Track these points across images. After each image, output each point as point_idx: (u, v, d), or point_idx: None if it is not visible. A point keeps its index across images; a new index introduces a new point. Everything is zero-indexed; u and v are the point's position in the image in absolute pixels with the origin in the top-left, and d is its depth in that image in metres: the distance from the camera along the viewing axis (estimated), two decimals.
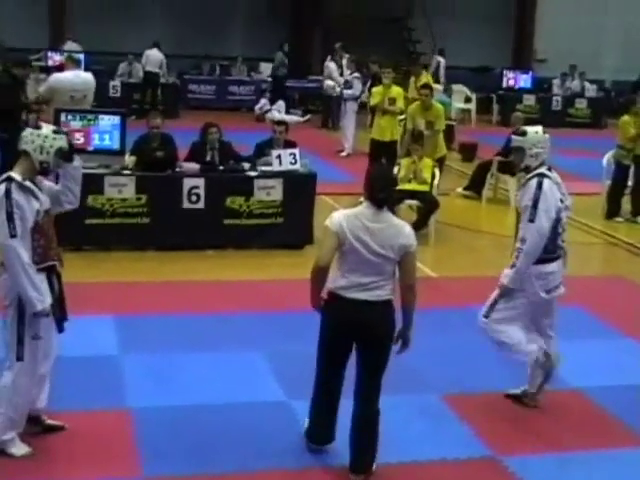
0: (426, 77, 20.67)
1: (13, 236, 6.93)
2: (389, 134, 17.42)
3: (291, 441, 7.79)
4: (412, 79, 21.30)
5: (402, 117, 17.75)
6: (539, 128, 8.88)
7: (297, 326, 10.27)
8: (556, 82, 31.17)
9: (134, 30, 29.44)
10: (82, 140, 13.15)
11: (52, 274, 7.37)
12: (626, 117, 17.40)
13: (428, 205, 14.87)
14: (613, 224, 16.85)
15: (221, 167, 14.03)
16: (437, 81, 28.57)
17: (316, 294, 7.28)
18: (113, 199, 13.25)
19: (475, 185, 18.10)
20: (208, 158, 14.06)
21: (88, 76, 16.65)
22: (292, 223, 13.88)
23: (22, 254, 6.96)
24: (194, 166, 13.74)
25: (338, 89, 24.51)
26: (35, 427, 7.73)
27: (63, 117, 13.33)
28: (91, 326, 10.08)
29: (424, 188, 15.04)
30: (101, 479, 7.18)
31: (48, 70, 21.04)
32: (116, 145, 13.40)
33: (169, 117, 20.60)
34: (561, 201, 8.48)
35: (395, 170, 15.45)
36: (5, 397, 7.24)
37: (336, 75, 25.41)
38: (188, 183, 13.47)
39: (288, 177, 13.96)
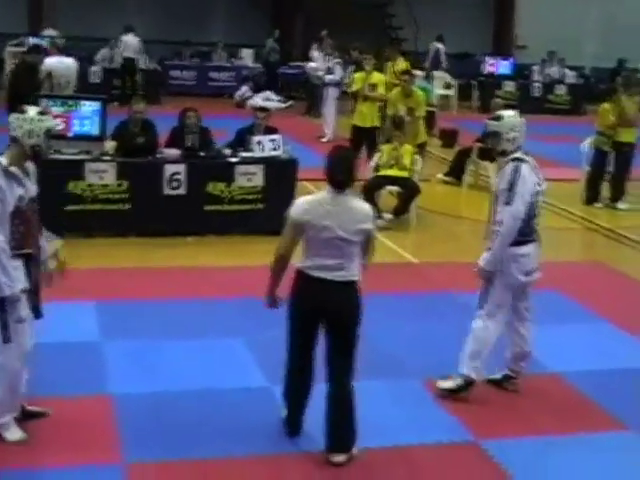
0: (403, 62, 20.55)
1: None
2: (370, 120, 17.41)
3: (272, 426, 7.79)
4: (389, 63, 21.22)
5: (382, 102, 17.76)
6: (515, 112, 8.94)
7: (278, 313, 10.28)
8: (536, 68, 31.19)
9: (114, 15, 29.33)
10: (62, 126, 13.15)
11: (30, 261, 7.32)
12: (606, 105, 17.49)
13: (409, 191, 14.90)
14: (592, 210, 16.92)
15: (202, 153, 14.03)
16: (436, 67, 28.67)
17: (274, 283, 7.44)
18: (94, 185, 13.22)
19: (455, 171, 18.15)
20: (188, 143, 14.06)
21: (71, 62, 16.69)
22: (273, 209, 13.76)
23: None
24: (175, 152, 13.74)
25: (322, 75, 24.42)
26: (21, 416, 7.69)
27: (44, 103, 13.29)
28: (73, 312, 10.09)
29: (405, 174, 15.07)
30: (81, 465, 7.16)
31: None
32: (96, 131, 13.40)
33: (150, 103, 20.54)
34: (538, 184, 8.52)
35: (376, 156, 15.55)
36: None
37: (320, 63, 25.35)
38: (169, 169, 13.47)
39: (269, 163, 13.96)
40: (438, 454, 7.61)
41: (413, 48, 32.29)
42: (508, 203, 8.32)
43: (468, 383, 8.57)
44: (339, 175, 7.16)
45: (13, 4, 29.57)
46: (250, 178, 13.81)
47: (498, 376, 8.95)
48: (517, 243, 8.42)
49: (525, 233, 8.46)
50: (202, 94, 28.13)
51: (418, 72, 21.11)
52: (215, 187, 13.69)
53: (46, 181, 13.00)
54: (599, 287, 12.42)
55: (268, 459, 7.41)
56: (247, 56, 31.21)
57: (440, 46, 30.41)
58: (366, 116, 17.52)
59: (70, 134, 13.29)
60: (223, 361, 9.14)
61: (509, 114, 8.83)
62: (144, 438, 7.57)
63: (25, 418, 7.68)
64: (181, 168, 13.51)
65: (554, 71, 30.93)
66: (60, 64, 16.04)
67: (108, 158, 13.43)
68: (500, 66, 29.88)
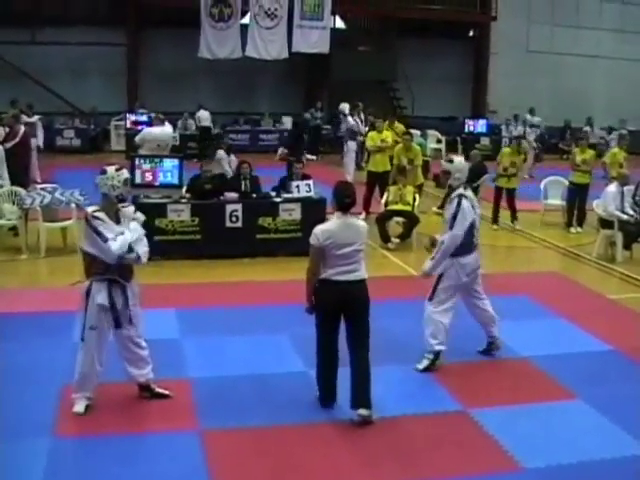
0: (401, 125, 20.34)
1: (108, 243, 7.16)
2: (382, 167, 17.36)
3: (309, 401, 7.77)
4: (393, 126, 20.95)
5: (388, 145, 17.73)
6: (462, 158, 9.29)
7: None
8: (503, 127, 31.13)
9: (188, 94, 29.51)
10: (151, 177, 13.26)
11: (112, 284, 7.39)
12: (575, 149, 17.79)
13: (411, 221, 14.94)
14: (548, 232, 16.80)
15: (254, 195, 14.06)
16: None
17: (311, 293, 7.56)
18: (174, 221, 13.29)
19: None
20: (243, 188, 14.09)
21: (169, 130, 16.91)
22: (308, 236, 13.79)
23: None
24: (234, 195, 13.77)
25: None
26: (145, 393, 7.88)
27: (137, 161, 13.41)
28: (158, 317, 10.08)
29: (408, 208, 15.11)
30: (168, 431, 7.19)
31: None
32: (176, 181, 13.49)
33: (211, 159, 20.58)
34: (475, 212, 8.76)
35: (385, 195, 15.55)
36: (78, 365, 7.48)
37: (352, 125, 25.04)
38: (229, 208, 13.51)
39: (305, 202, 13.99)
40: (433, 421, 7.56)
41: (411, 113, 32.38)
42: (451, 228, 8.59)
43: (436, 354, 8.78)
44: (346, 198, 7.46)
45: (115, 89, 29.79)
46: (290, 213, 13.82)
47: (485, 346, 9.22)
48: (461, 254, 8.64)
49: (467, 246, 8.68)
50: (253, 151, 28.12)
51: (416, 131, 21.01)
52: (264, 220, 13.72)
53: None
54: (555, 291, 12.35)
55: (306, 426, 7.39)
56: (287, 122, 31.27)
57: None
58: (379, 163, 17.47)
59: (156, 183, 13.39)
60: (271, 352, 9.12)
61: (459, 159, 9.15)
62: (214, 411, 7.58)
63: (152, 397, 7.83)
64: (238, 207, 13.53)
65: (519, 130, 30.79)
66: (161, 132, 16.21)
67: (184, 201, 13.49)
68: (477, 126, 29.80)
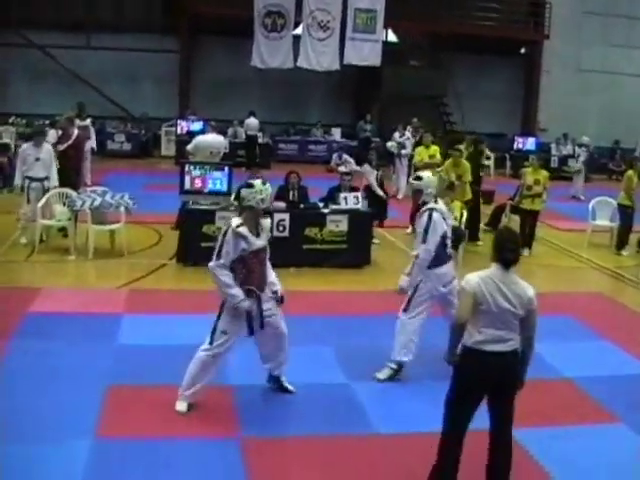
0: (434, 148, 19.61)
1: (217, 261, 7.51)
2: None
3: (350, 413, 7.78)
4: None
5: (440, 168, 17.55)
6: (429, 173, 9.39)
7: (357, 327, 10.23)
8: (553, 146, 30.91)
9: (238, 102, 29.64)
10: (200, 184, 13.34)
11: (249, 294, 7.61)
12: (630, 172, 17.23)
13: (458, 237, 14.79)
14: (595, 252, 16.65)
15: (301, 205, 14.08)
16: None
17: (456, 346, 6.24)
18: (221, 228, 13.26)
19: (493, 222, 17.85)
20: (291, 198, 14.12)
21: (222, 139, 17.08)
22: (354, 248, 13.87)
23: (220, 274, 7.49)
24: (281, 205, 13.79)
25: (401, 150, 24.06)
26: (274, 383, 8.26)
27: (187, 167, 13.48)
28: (203, 323, 10.04)
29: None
30: (209, 437, 7.21)
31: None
32: (225, 188, 13.51)
33: (264, 168, 20.64)
34: (446, 224, 8.87)
35: None
36: (192, 363, 7.70)
37: (397, 139, 24.95)
38: (277, 217, 13.47)
39: (352, 214, 13.98)
40: (476, 439, 7.45)
41: (461, 128, 32.25)
42: (423, 242, 8.65)
43: (400, 365, 8.77)
44: (509, 253, 6.18)
45: (167, 95, 30.01)
46: (337, 224, 13.81)
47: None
48: (436, 265, 8.71)
49: (442, 258, 8.76)
50: (302, 161, 28.19)
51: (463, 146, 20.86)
52: (311, 231, 13.71)
53: (189, 224, 13.38)
54: (600, 312, 12.21)
55: (345, 438, 7.35)
56: (336, 133, 31.32)
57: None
58: None
59: (205, 190, 13.45)
60: (315, 362, 9.08)
61: (427, 175, 9.23)
62: (255, 419, 7.60)
63: (280, 389, 8.23)
64: (286, 217, 13.53)
65: (568, 148, 30.60)
66: (214, 139, 16.34)
67: (233, 208, 13.49)
68: (527, 143, 29.57)
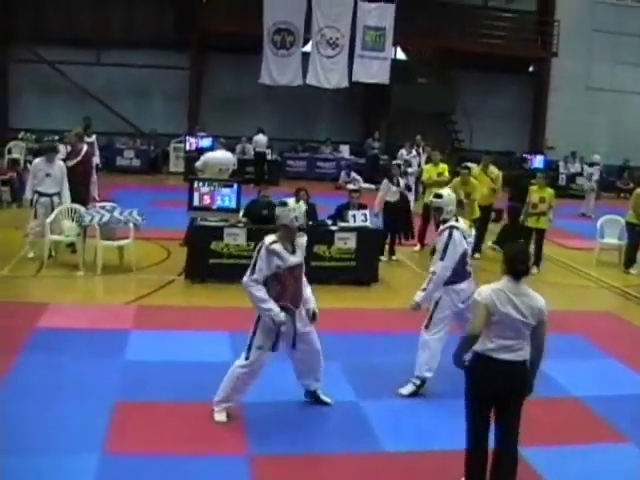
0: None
1: (250, 276, 7.66)
2: None
3: (358, 431, 7.77)
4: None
5: (448, 186, 17.55)
6: (449, 191, 9.48)
7: (364, 344, 10.23)
8: (561, 164, 30.94)
9: (247, 119, 29.74)
10: (209, 201, 13.36)
11: (285, 311, 7.75)
12: (639, 190, 17.09)
13: None
14: (603, 270, 16.63)
15: (310, 223, 14.07)
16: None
17: (463, 355, 6.39)
18: (230, 245, 13.35)
19: (502, 241, 17.87)
20: None
21: (230, 155, 17.11)
22: (362, 266, 13.88)
23: (254, 289, 7.66)
24: None
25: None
26: (310, 397, 8.42)
27: (195, 184, 13.50)
28: (212, 339, 10.16)
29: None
30: (217, 453, 7.19)
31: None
32: (233, 205, 13.53)
33: (272, 185, 20.71)
34: (466, 242, 8.98)
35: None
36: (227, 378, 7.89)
37: (404, 156, 24.97)
38: None
39: (360, 231, 13.99)
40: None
41: (468, 147, 32.33)
42: (442, 259, 8.75)
43: (423, 381, 8.87)
44: (520, 265, 6.35)
45: (176, 111, 30.18)
46: (346, 242, 13.83)
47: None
48: (454, 282, 8.84)
49: (460, 275, 8.87)
50: (311, 178, 28.29)
51: (473, 165, 20.91)
52: (319, 248, 13.70)
53: (197, 241, 13.41)
54: (609, 331, 12.18)
55: (353, 457, 7.33)
56: (344, 150, 31.42)
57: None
58: None
59: (214, 207, 13.46)
60: (323, 380, 9.00)
61: (447, 193, 9.34)
62: (264, 436, 7.57)
63: (316, 401, 8.39)
64: None
65: (576, 166, 30.64)
66: (223, 156, 16.37)
67: (241, 225, 13.55)
68: (535, 161, 29.56)
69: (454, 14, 31.37)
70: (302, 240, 7.94)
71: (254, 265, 7.67)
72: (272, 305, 7.66)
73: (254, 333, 7.85)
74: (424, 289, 8.82)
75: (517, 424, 6.46)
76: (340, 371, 9.36)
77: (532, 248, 15.85)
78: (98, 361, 9.24)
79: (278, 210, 7.88)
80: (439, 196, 9.21)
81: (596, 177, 26.92)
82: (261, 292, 7.65)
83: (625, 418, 8.51)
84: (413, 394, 8.82)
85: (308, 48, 29.60)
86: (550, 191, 16.54)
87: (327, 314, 11.78)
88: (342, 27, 29.32)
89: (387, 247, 15.99)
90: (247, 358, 7.84)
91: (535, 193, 16.40)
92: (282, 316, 7.67)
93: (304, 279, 8.07)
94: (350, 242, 13.83)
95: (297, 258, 7.81)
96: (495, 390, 6.32)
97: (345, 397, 8.67)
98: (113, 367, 9.05)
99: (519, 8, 33.19)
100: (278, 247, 7.64)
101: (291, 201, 7.93)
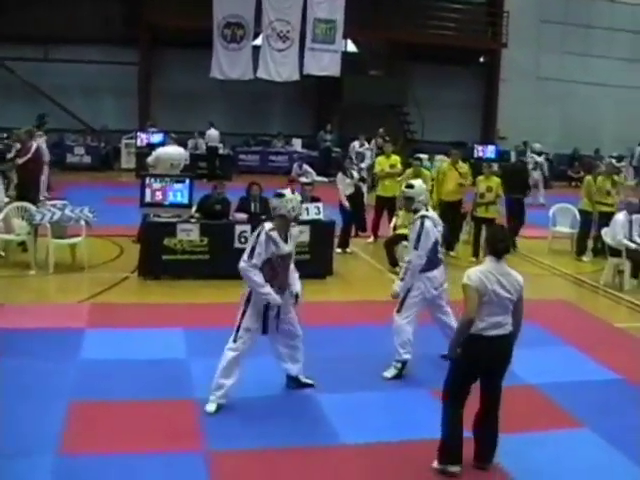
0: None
1: (249, 261, 7.93)
2: (391, 191, 17.23)
3: (317, 423, 7.81)
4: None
5: (400, 178, 17.57)
6: (421, 182, 9.91)
7: (320, 337, 10.20)
8: (513, 153, 31.15)
9: (199, 114, 29.59)
10: (161, 197, 13.28)
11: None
12: (589, 177, 17.39)
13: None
14: (556, 258, 16.78)
15: (263, 217, 14.04)
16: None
17: (460, 342, 6.73)
18: (183, 241, 13.28)
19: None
20: (252, 209, 14.08)
21: (182, 150, 16.97)
22: (317, 259, 13.86)
23: (252, 273, 7.93)
24: (243, 216, 13.78)
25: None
26: (292, 383, 8.65)
27: (147, 180, 13.40)
28: (166, 336, 10.09)
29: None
30: (173, 453, 7.11)
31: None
32: (185, 200, 13.47)
33: (224, 179, 20.60)
34: (438, 230, 9.31)
35: (395, 219, 15.44)
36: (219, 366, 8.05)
37: (357, 149, 25.01)
38: (239, 229, 13.49)
39: (314, 224, 13.97)
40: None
41: (420, 137, 32.49)
42: (415, 248, 9.08)
43: (404, 363, 9.17)
44: (500, 243, 6.81)
45: (127, 107, 29.94)
46: (299, 235, 13.78)
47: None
48: (428, 269, 9.17)
49: (433, 262, 9.21)
50: (263, 172, 28.20)
51: (424, 156, 20.90)
52: None
53: (150, 237, 13.32)
54: (564, 319, 12.31)
55: (313, 449, 7.32)
56: (297, 144, 31.39)
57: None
58: (387, 188, 17.33)
59: (166, 203, 13.39)
60: (279, 374, 8.98)
61: (419, 183, 9.73)
62: (221, 432, 7.53)
63: (299, 386, 8.64)
64: (248, 228, 13.47)
65: (528, 156, 30.83)
66: (174, 151, 16.24)
67: (194, 220, 13.49)
68: (487, 151, 29.67)
69: (404, 6, 31.39)
70: (295, 230, 8.34)
71: (252, 250, 7.94)
72: (270, 289, 7.98)
73: (242, 316, 8.10)
74: (402, 279, 9.17)
75: (499, 391, 6.97)
76: None
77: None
78: (52, 361, 9.12)
79: (276, 201, 8.19)
80: (411, 186, 9.57)
81: (546, 167, 27.22)
82: (259, 277, 7.94)
83: (582, 404, 8.58)
84: (397, 376, 9.11)
85: (259, 42, 29.53)
86: (497, 180, 16.60)
87: None
88: (292, 20, 29.27)
89: (336, 240, 15.88)
90: (235, 341, 8.07)
91: (482, 183, 16.51)
92: (279, 299, 8.04)
93: (292, 266, 8.38)
94: (304, 236, 13.73)
95: (289, 247, 8.18)
96: (487, 365, 6.82)
97: (301, 391, 8.64)
98: (67, 366, 8.95)
99: None
100: (275, 234, 7.96)
101: (288, 192, 8.42)
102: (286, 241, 8.12)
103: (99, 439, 7.29)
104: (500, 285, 6.70)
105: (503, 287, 6.71)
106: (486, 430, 7.01)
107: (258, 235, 7.97)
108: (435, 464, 6.91)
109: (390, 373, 9.14)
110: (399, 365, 9.17)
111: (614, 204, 16.64)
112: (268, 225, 8.02)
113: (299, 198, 8.52)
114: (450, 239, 15.96)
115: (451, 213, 16.29)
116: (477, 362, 6.79)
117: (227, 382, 8.02)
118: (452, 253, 16.26)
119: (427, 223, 9.16)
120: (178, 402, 8.09)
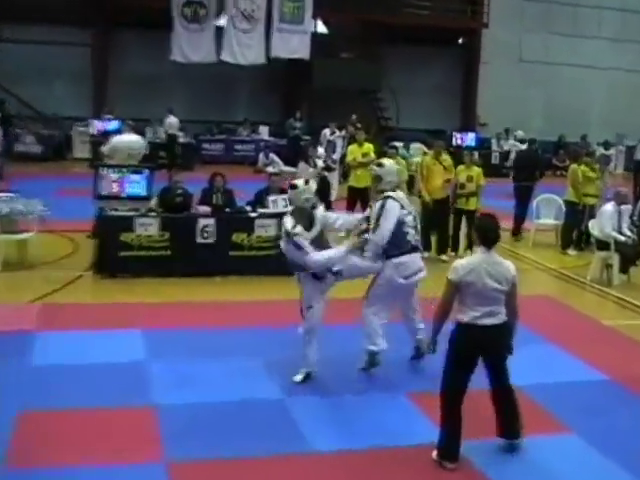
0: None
1: (308, 254, 8.61)
2: (364, 182, 17.20)
3: (284, 431, 7.75)
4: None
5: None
6: (392, 162, 9.90)
7: (289, 338, 10.18)
8: (494, 141, 31.33)
9: (159, 100, 29.42)
10: (117, 188, 13.21)
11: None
12: (574, 166, 17.38)
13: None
14: (540, 252, 16.87)
15: (228, 210, 14.03)
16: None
17: (439, 331, 7.33)
18: (141, 235, 13.22)
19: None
20: (215, 201, 14.05)
21: (140, 139, 16.85)
22: (284, 255, 13.81)
23: (317, 255, 8.64)
24: (206, 209, 13.76)
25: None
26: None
27: (102, 170, 13.33)
28: (122, 338, 10.05)
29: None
30: (130, 464, 7.05)
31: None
32: (144, 192, 13.42)
33: (186, 170, 20.59)
34: (407, 212, 9.16)
35: (368, 210, 15.38)
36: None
37: (328, 136, 25.04)
38: (201, 222, 13.46)
39: (282, 217, 13.89)
40: (418, 454, 7.48)
41: (395, 125, 32.54)
42: (374, 230, 9.00)
43: (374, 354, 9.25)
44: (490, 233, 7.21)
45: (80, 92, 29.79)
46: (266, 230, 13.78)
47: (413, 352, 9.68)
48: (395, 255, 9.02)
49: (401, 247, 9.04)
50: (228, 162, 28.15)
51: (399, 144, 20.89)
52: (238, 237, 13.68)
53: (106, 232, 13.25)
54: (546, 316, 12.33)
55: (279, 458, 7.27)
56: (264, 132, 31.34)
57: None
58: (360, 178, 17.30)
59: (123, 195, 13.33)
60: (244, 377, 9.01)
61: (390, 163, 9.66)
62: (182, 441, 7.47)
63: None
64: (211, 222, 13.49)
65: (510, 144, 30.99)
66: (132, 140, 16.14)
67: (153, 214, 13.44)
68: (466, 139, 29.87)
69: None
70: (319, 212, 8.93)
71: (302, 247, 8.60)
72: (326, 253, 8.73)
73: (302, 295, 8.94)
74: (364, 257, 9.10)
75: (506, 369, 7.42)
76: (263, 367, 9.34)
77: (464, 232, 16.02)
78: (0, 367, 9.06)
79: (290, 193, 8.99)
80: (380, 164, 9.46)
81: None
82: (319, 254, 8.61)
83: (567, 406, 8.63)
84: (369, 366, 9.28)
85: (222, 22, 29.42)
86: (477, 170, 16.43)
87: (247, 307, 11.86)
88: None
89: None
90: (305, 319, 8.88)
91: (462, 172, 16.26)
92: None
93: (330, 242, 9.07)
94: (271, 230, 13.75)
95: (314, 232, 8.76)
96: (482, 352, 7.18)
97: (269, 395, 8.63)
98: (16, 372, 8.87)
99: None
100: (300, 230, 8.62)
101: (300, 183, 8.89)
102: (311, 226, 8.73)
103: (51, 451, 7.23)
104: (489, 276, 7.03)
105: (492, 277, 7.05)
106: (505, 404, 7.49)
107: (295, 239, 8.64)
108: (434, 454, 7.28)
109: (364, 364, 9.26)
110: (366, 357, 9.26)
111: (598, 195, 16.82)
112: (289, 224, 8.67)
113: (314, 187, 8.95)
114: (441, 243, 15.95)
115: (442, 212, 16.01)
116: (472, 348, 7.16)
117: (312, 358, 8.97)
118: (444, 257, 15.67)
119: (389, 203, 9.03)
120: (136, 409, 8.04)
